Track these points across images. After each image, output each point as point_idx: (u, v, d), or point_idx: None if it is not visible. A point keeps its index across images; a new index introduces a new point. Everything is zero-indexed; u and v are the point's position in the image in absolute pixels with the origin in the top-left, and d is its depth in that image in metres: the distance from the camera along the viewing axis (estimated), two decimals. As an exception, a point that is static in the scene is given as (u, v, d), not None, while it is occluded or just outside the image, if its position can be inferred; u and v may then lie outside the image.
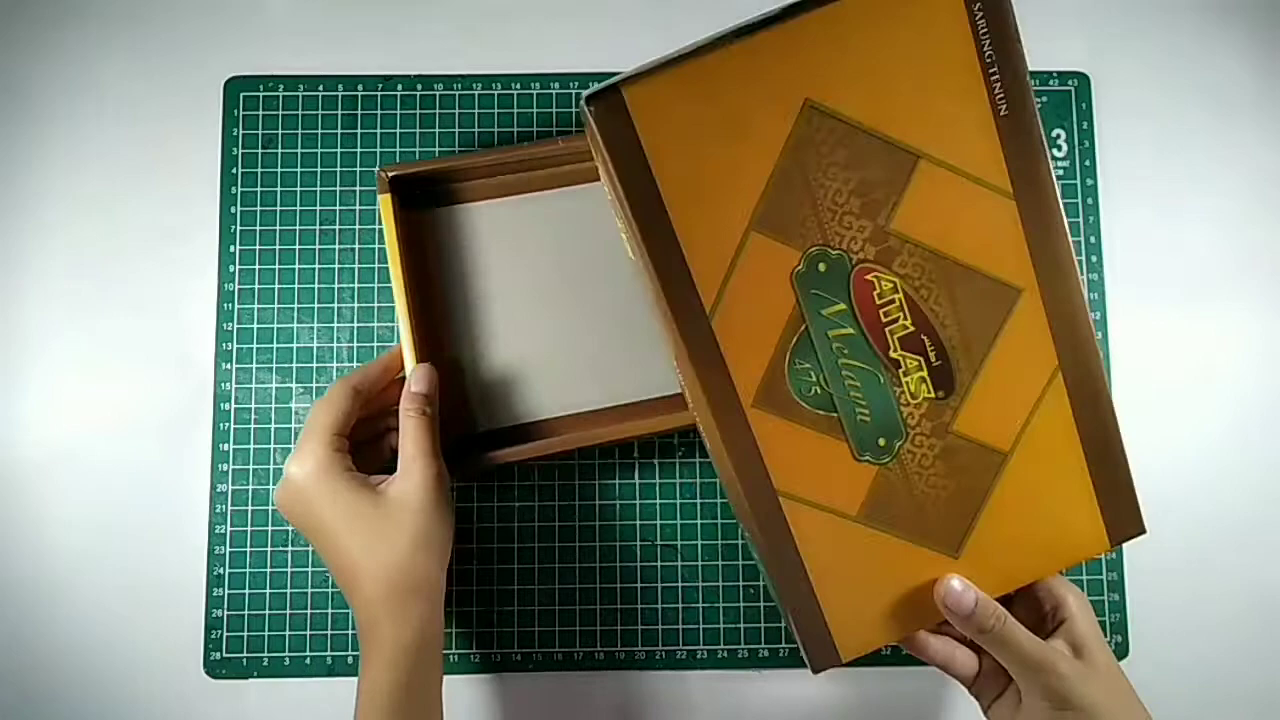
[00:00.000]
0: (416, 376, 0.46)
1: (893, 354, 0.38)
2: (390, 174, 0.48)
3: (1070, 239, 0.38)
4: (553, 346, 0.50)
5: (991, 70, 0.36)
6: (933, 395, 0.39)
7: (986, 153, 0.36)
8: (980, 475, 0.39)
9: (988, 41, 0.35)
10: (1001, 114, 0.36)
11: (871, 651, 0.42)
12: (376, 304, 0.52)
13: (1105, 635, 0.50)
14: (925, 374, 0.38)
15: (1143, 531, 0.40)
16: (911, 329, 0.38)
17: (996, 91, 0.36)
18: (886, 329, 0.38)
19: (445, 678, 0.49)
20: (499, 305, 0.50)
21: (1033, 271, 0.37)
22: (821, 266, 0.37)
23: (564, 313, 0.50)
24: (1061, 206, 0.37)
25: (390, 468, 0.44)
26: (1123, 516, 0.40)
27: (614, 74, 0.53)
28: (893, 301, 0.38)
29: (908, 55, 0.35)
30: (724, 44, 0.35)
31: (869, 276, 0.37)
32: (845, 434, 0.39)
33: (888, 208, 0.37)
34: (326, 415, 0.44)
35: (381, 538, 0.42)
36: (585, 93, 0.36)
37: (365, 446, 0.47)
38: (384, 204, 0.48)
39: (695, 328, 0.37)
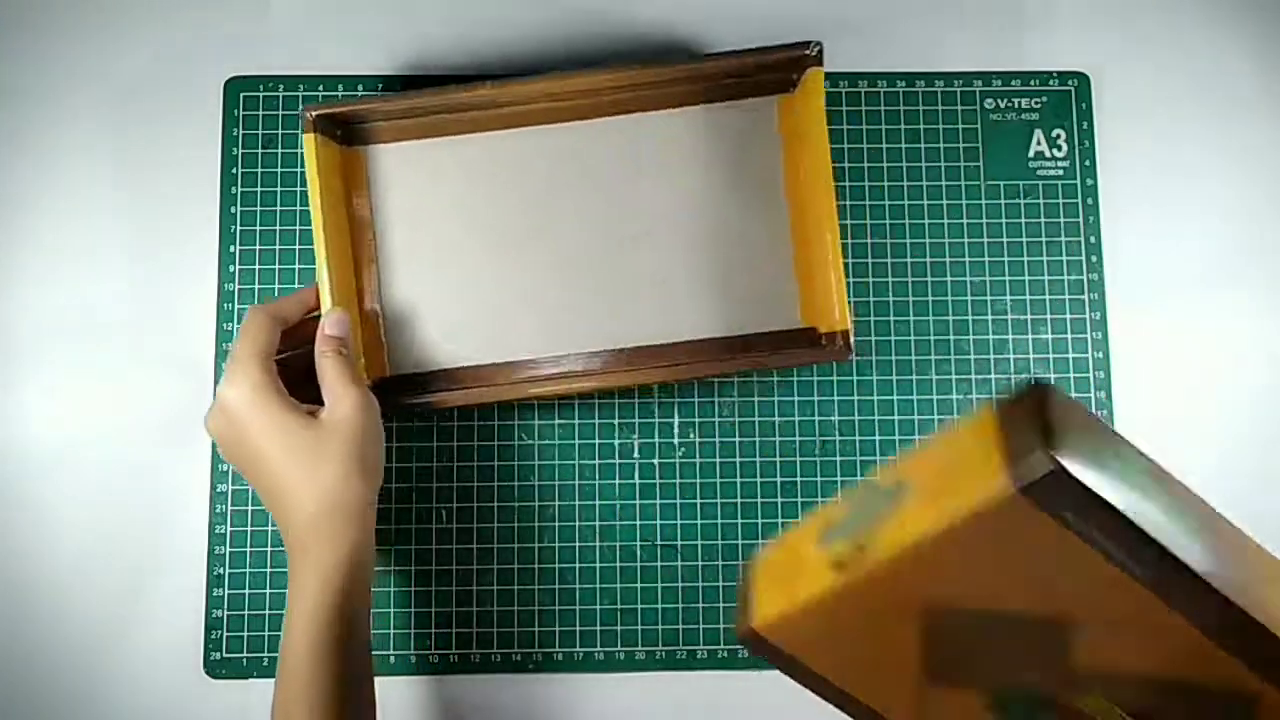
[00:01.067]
0: (331, 320, 0.47)
1: None
2: (315, 113, 0.48)
3: None
4: (485, 293, 0.50)
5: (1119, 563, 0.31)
6: None
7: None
8: None
9: (1103, 537, 0.31)
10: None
11: None
12: (376, 304, 0.52)
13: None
14: None
15: None
16: None
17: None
18: None
19: (444, 679, 0.50)
20: (430, 249, 0.50)
21: (1255, 675, 0.33)
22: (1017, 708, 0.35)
23: (497, 259, 0.50)
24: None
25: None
26: None
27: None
28: None
29: (1028, 571, 0.32)
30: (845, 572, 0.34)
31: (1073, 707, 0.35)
32: None
33: (1062, 657, 0.34)
34: (253, 342, 0.44)
35: (317, 461, 0.43)
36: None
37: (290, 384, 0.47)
38: (307, 143, 0.48)
39: None
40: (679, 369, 0.48)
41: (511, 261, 0.50)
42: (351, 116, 0.49)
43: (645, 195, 0.50)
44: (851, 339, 0.47)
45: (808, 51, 0.48)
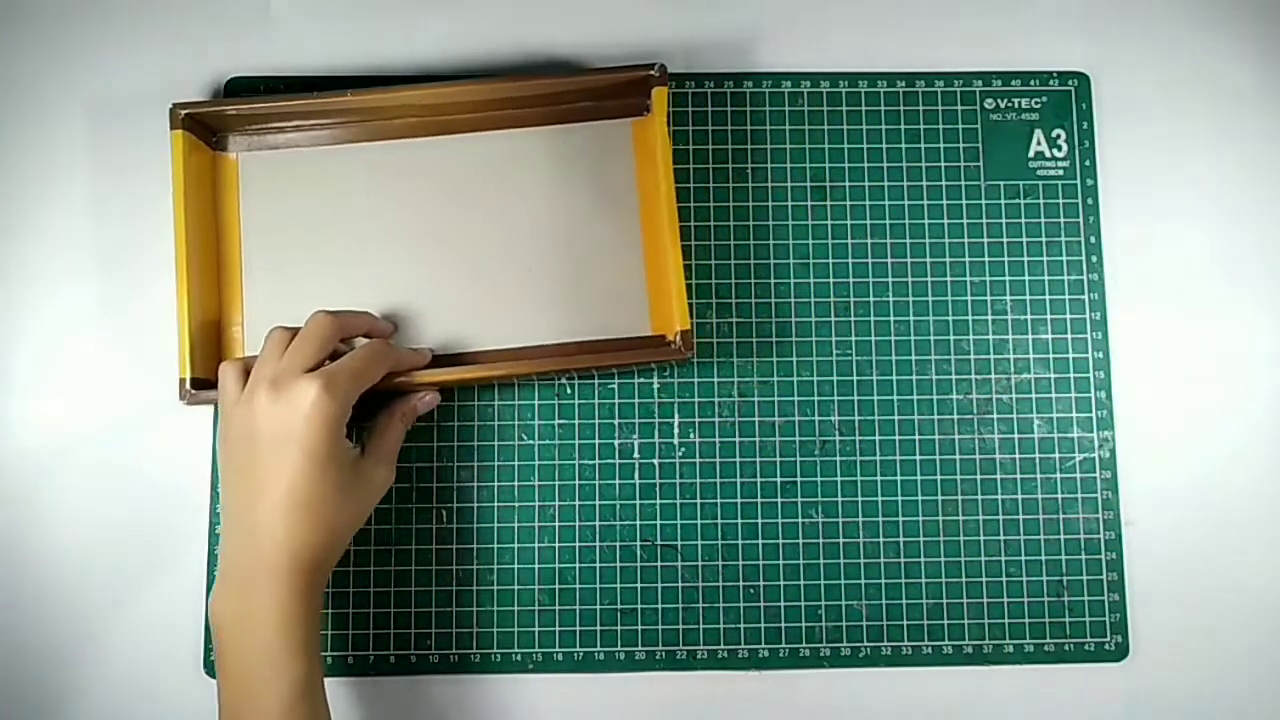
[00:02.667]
0: (431, 399, 0.50)
1: None
2: (184, 110, 0.49)
3: None
4: (347, 300, 0.50)
5: None
6: None
7: None
8: None
9: None
10: None
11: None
12: (376, 304, 0.52)
13: (1105, 635, 0.50)
14: None
15: None
16: None
17: None
18: None
19: (441, 679, 0.50)
20: (293, 256, 0.51)
21: None
22: None
23: (359, 267, 0.51)
24: None
25: None
26: None
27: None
28: None
29: None
30: None
31: None
32: None
33: None
34: (367, 365, 0.46)
35: (346, 495, 0.44)
36: None
37: None
38: (174, 141, 0.48)
39: None
40: (528, 363, 0.50)
41: (373, 270, 0.51)
42: (217, 119, 0.50)
43: (507, 211, 0.51)
44: (691, 339, 0.48)
45: (652, 72, 0.50)
